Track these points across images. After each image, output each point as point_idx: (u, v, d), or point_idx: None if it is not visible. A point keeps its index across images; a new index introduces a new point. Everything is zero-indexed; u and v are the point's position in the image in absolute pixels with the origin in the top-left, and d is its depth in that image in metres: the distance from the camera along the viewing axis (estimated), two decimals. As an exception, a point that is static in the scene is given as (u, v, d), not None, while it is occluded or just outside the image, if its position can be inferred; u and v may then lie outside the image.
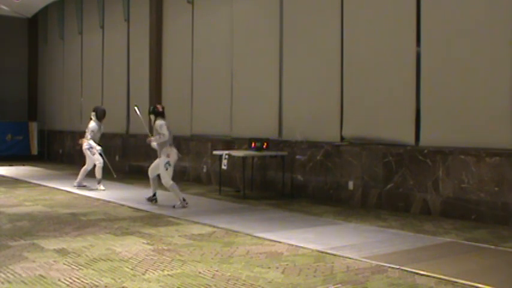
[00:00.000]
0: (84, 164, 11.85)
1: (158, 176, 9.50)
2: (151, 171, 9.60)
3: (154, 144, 9.42)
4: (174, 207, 9.21)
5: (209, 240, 6.68)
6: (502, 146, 7.97)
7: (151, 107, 9.70)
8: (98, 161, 11.62)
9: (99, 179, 11.56)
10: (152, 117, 9.50)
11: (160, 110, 9.51)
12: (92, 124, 11.68)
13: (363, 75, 9.91)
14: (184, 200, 9.30)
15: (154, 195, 9.77)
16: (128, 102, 16.27)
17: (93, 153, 11.62)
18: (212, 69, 13.36)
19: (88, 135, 11.62)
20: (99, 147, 11.71)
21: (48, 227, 7.41)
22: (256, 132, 11.63)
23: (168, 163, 9.19)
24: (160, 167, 9.28)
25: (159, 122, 9.28)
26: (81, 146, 11.83)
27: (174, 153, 9.30)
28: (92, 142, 11.62)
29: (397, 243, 6.65)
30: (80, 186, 11.80)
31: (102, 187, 11.51)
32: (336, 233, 7.26)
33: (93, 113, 11.80)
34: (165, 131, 9.15)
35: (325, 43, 10.59)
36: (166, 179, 9.18)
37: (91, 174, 11.72)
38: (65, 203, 9.78)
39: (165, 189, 9.59)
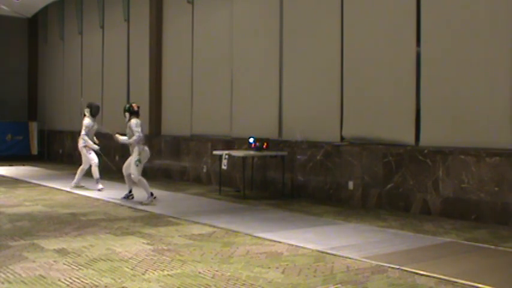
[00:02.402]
0: (81, 164, 11.78)
1: None
2: (125, 169, 9.92)
3: (122, 138, 9.83)
4: (141, 203, 9.49)
5: (209, 240, 6.68)
6: (502, 146, 7.97)
7: (127, 106, 9.97)
8: (93, 160, 11.50)
9: (97, 179, 11.46)
10: (127, 115, 9.82)
11: (136, 109, 9.88)
12: (87, 120, 11.49)
13: (362, 76, 9.91)
14: (152, 194, 9.62)
15: (130, 191, 10.10)
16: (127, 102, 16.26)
17: (89, 152, 11.53)
18: (212, 69, 13.36)
19: (82, 131, 11.44)
20: (96, 147, 11.59)
21: (48, 227, 7.41)
22: (256, 132, 11.62)
23: (138, 160, 9.63)
24: (131, 163, 9.66)
25: (134, 121, 9.65)
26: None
27: (145, 152, 9.74)
28: (86, 138, 11.43)
29: (397, 243, 6.65)
30: (78, 186, 11.70)
31: (100, 186, 11.38)
32: (336, 233, 7.25)
33: (87, 109, 11.59)
34: (139, 130, 9.58)
35: (325, 43, 10.59)
36: (135, 174, 9.59)
37: (89, 174, 11.71)
38: (65, 203, 9.78)
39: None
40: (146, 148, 9.80)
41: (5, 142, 19.73)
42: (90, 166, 11.58)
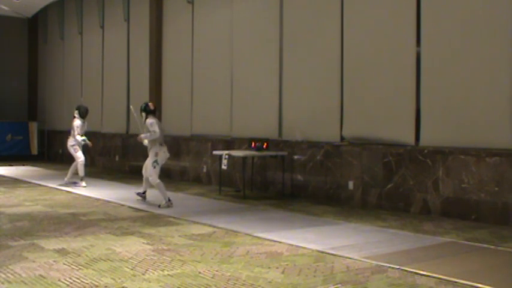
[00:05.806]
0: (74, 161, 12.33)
1: None
2: (145, 171, 9.81)
3: (146, 141, 9.62)
4: (159, 206, 9.28)
5: (209, 240, 6.68)
6: (502, 146, 7.97)
7: (143, 105, 9.85)
8: (79, 158, 12.06)
9: (82, 176, 12.03)
10: (144, 114, 9.68)
11: (152, 108, 9.72)
12: (76, 122, 12.05)
13: (362, 75, 9.91)
14: (169, 200, 9.37)
15: (144, 192, 9.97)
16: (127, 102, 16.25)
17: (76, 151, 12.11)
18: (212, 69, 13.36)
19: (75, 132, 11.99)
20: (82, 138, 12.03)
21: (48, 227, 7.41)
22: (256, 132, 11.62)
23: (155, 161, 9.41)
24: (148, 165, 9.50)
25: (150, 120, 9.45)
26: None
27: (162, 153, 9.50)
28: (78, 137, 11.99)
29: (397, 243, 6.65)
30: (69, 183, 12.16)
31: (84, 184, 11.93)
32: (336, 233, 7.26)
33: (76, 111, 12.19)
34: (156, 129, 9.34)
35: (325, 43, 10.59)
36: (154, 177, 9.38)
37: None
38: (65, 203, 9.79)
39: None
40: (164, 149, 9.52)
41: (5, 142, 19.72)
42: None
